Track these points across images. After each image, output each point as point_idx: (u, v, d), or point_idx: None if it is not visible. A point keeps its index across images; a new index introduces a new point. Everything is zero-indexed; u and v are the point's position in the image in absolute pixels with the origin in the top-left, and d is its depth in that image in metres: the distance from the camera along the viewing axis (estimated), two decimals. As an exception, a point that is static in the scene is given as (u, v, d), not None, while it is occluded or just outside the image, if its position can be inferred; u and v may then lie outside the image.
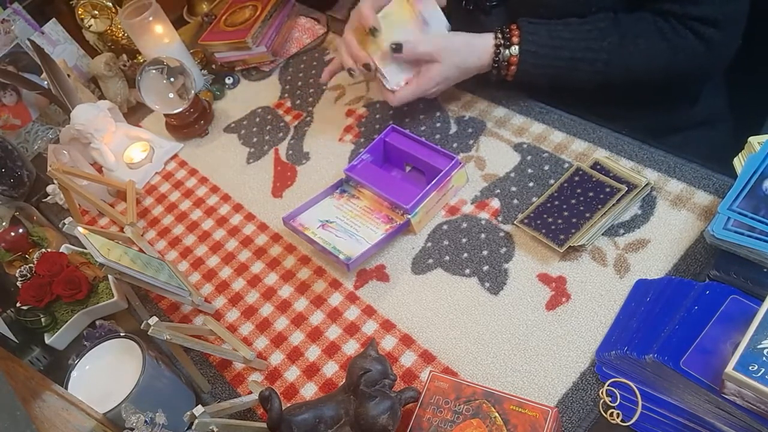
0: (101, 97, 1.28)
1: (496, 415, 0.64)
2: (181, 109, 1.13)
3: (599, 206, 0.80)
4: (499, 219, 0.86)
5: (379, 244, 0.85)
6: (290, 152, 1.08)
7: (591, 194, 0.82)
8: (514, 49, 0.89)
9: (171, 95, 1.12)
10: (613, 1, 0.88)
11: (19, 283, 0.94)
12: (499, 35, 0.91)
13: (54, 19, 1.31)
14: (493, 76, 0.94)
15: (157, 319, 0.73)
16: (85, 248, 0.82)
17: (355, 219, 0.90)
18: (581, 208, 0.81)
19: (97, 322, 0.91)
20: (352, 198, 0.93)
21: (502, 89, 0.99)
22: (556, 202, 0.83)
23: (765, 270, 0.67)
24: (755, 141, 0.73)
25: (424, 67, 0.92)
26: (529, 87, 0.96)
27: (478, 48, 0.91)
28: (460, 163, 0.90)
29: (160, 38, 1.19)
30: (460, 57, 0.91)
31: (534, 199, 0.86)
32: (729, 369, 0.56)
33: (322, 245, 0.86)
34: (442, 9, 0.95)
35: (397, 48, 0.90)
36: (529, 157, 0.91)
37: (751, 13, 0.86)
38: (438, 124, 1.01)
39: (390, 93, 0.95)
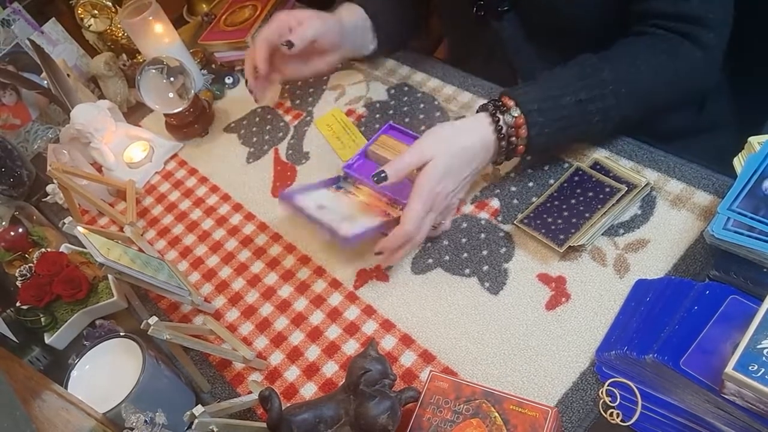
0: (101, 96, 1.28)
1: (496, 415, 0.64)
2: (181, 109, 1.12)
3: (599, 206, 0.80)
4: (499, 219, 0.86)
5: (380, 227, 0.84)
6: (290, 152, 1.08)
7: (591, 194, 0.82)
8: (515, 111, 0.79)
9: (171, 95, 1.12)
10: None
11: (19, 283, 0.94)
12: (489, 105, 0.81)
13: (54, 18, 1.31)
14: (503, 150, 0.82)
15: (157, 318, 0.73)
16: (85, 248, 0.82)
17: (352, 209, 0.89)
18: (581, 208, 0.81)
19: (97, 322, 0.91)
20: (349, 194, 0.92)
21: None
22: (556, 202, 0.83)
23: (765, 270, 0.67)
24: (755, 141, 0.73)
25: (417, 175, 0.78)
26: (548, 150, 0.87)
27: (467, 125, 0.81)
28: (460, 163, 0.89)
29: (160, 38, 1.19)
30: (451, 138, 0.79)
31: (534, 198, 0.86)
32: (729, 369, 0.56)
33: (319, 219, 0.83)
34: (453, 20, 0.88)
35: (379, 177, 0.78)
36: (528, 157, 0.91)
37: (751, 14, 0.86)
38: (438, 124, 1.01)
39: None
